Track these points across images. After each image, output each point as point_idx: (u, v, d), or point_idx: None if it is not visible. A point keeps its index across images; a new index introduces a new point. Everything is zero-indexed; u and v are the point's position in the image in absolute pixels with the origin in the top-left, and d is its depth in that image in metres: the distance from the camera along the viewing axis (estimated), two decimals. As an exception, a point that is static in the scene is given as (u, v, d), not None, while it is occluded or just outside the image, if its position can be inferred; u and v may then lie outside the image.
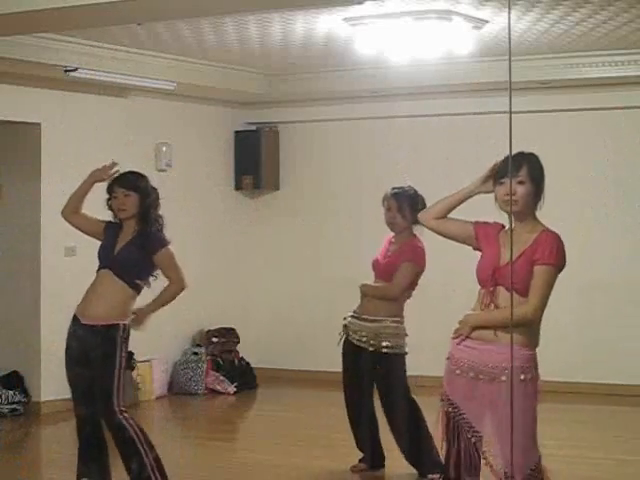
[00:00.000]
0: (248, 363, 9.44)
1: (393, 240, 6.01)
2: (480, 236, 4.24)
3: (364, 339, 5.90)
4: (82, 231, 5.48)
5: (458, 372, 4.15)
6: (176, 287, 5.19)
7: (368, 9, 6.17)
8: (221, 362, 9.22)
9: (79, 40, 7.23)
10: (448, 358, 4.21)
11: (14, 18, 5.42)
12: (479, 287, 4.18)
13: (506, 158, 4.16)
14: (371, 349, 5.87)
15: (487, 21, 6.64)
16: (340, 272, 9.21)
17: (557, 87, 8.56)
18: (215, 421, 8.45)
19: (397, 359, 5.92)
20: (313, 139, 9.77)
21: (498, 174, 4.19)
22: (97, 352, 5.11)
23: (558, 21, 6.73)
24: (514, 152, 4.03)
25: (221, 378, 9.09)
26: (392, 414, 5.95)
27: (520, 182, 4.10)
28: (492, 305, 4.08)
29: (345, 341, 6.05)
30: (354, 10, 6.27)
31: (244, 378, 9.26)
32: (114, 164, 5.34)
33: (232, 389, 9.04)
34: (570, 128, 8.81)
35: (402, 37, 6.67)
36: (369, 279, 6.05)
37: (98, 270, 5.25)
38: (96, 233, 5.38)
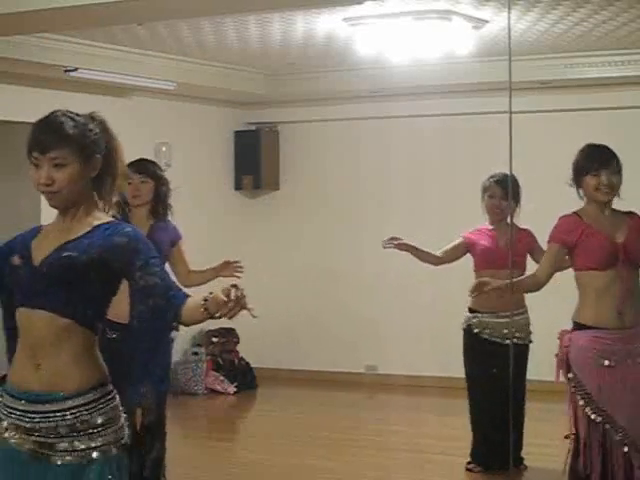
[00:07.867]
0: (248, 363, 9.43)
1: (494, 228, 5.84)
2: (573, 237, 4.37)
3: (508, 334, 5.60)
4: None
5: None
6: (181, 282, 4.96)
7: (368, 9, 6.17)
8: (221, 362, 9.22)
9: (79, 40, 7.23)
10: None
11: (14, 18, 5.43)
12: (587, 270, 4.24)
13: (586, 153, 4.35)
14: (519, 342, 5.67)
15: (487, 21, 6.64)
16: (341, 272, 9.20)
17: (557, 87, 8.55)
18: (215, 421, 8.45)
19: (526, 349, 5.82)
20: (313, 139, 9.76)
21: (586, 167, 4.33)
22: None
23: (558, 21, 6.73)
24: (596, 148, 4.14)
25: (221, 378, 9.09)
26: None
27: (617, 172, 4.38)
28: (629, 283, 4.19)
29: (482, 341, 5.76)
30: (354, 10, 6.27)
31: (244, 378, 9.26)
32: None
33: (232, 389, 9.04)
34: (570, 128, 8.80)
35: (402, 37, 6.67)
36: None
37: None
38: None
